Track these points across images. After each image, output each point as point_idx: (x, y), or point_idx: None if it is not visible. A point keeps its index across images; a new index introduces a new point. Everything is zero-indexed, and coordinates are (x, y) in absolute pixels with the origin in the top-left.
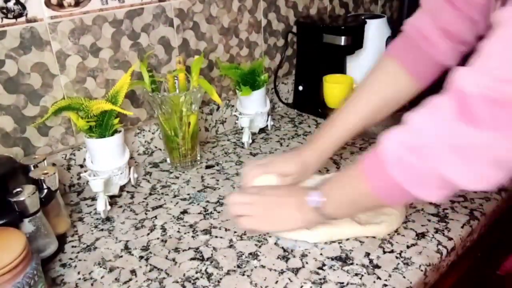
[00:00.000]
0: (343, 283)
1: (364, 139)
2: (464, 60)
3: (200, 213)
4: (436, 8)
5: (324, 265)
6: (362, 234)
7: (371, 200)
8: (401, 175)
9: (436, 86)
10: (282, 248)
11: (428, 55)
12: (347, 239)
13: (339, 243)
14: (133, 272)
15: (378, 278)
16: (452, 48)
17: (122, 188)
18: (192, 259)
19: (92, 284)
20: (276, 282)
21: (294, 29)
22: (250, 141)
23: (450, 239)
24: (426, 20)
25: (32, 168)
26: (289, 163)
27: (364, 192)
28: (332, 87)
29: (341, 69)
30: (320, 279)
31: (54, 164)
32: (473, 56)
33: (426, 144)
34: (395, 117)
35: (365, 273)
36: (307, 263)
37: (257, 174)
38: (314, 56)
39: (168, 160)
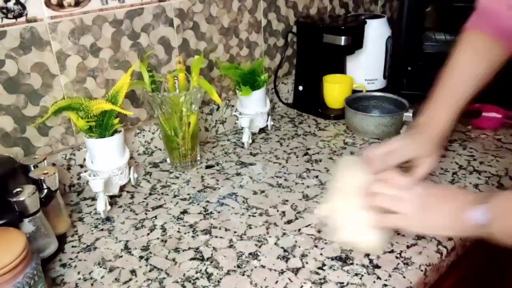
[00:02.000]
0: (343, 283)
1: (364, 139)
2: None
3: (200, 213)
4: None
5: (324, 265)
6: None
7: None
8: None
9: None
10: (282, 248)
11: (502, 25)
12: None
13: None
14: (133, 272)
15: (378, 278)
16: None
17: (122, 188)
18: (192, 259)
19: (92, 284)
20: (276, 282)
21: (294, 29)
22: (250, 141)
23: (450, 239)
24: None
25: (32, 168)
26: (411, 147)
27: None
28: (332, 87)
29: (341, 69)
30: (320, 279)
31: (54, 164)
32: None
33: None
34: None
35: (365, 273)
36: (307, 263)
37: (382, 163)
38: (314, 56)
39: (168, 160)
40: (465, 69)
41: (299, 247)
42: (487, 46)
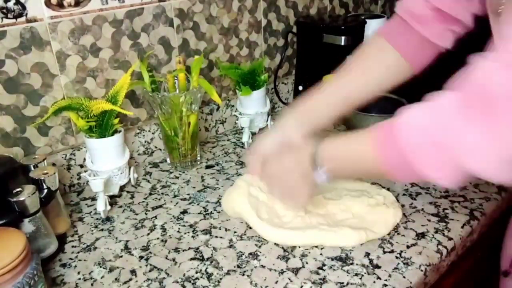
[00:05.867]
0: (343, 283)
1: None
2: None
3: (200, 213)
4: None
5: (324, 265)
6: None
7: (376, 169)
8: (414, 152)
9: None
10: (282, 248)
11: (421, 37)
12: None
13: None
14: (133, 272)
15: (378, 278)
16: (446, 29)
17: (122, 188)
18: (192, 259)
19: (92, 284)
20: (276, 282)
21: (294, 29)
22: (250, 141)
23: (450, 239)
24: (418, 1)
25: (32, 168)
26: (298, 131)
27: (371, 159)
28: None
29: None
30: (320, 279)
31: (54, 164)
32: (490, 46)
33: (446, 129)
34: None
35: (365, 273)
36: (307, 263)
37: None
38: (314, 56)
39: (168, 160)
40: (364, 74)
41: (299, 247)
42: (392, 62)
